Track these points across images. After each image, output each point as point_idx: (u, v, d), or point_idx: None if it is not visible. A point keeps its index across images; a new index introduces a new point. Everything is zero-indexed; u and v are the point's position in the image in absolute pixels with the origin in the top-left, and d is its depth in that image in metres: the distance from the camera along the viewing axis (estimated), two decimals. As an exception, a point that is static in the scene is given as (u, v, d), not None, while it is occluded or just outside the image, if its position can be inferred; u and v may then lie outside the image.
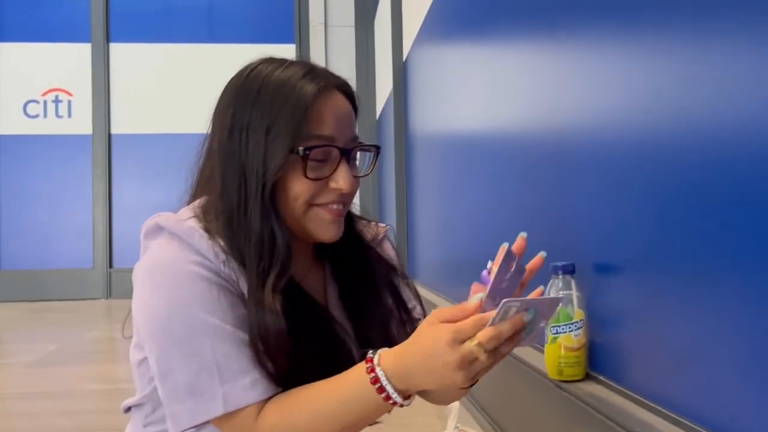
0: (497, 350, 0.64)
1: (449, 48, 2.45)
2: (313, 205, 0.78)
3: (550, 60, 1.35)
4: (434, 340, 0.65)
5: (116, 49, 5.26)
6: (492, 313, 0.63)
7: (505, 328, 0.63)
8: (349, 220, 0.87)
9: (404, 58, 3.47)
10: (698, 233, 0.84)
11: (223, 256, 0.75)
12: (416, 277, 3.20)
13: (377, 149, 0.85)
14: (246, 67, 0.82)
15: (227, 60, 5.20)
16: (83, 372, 3.00)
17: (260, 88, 0.78)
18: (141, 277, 0.78)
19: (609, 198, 1.09)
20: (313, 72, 0.79)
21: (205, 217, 0.78)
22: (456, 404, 1.46)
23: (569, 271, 1.15)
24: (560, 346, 1.15)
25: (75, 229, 5.22)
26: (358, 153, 0.82)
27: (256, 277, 0.74)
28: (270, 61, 0.82)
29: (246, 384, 0.72)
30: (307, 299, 0.82)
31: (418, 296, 0.93)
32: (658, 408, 0.93)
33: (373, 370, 0.69)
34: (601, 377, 1.11)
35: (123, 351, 3.47)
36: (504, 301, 0.63)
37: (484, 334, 0.63)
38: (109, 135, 5.25)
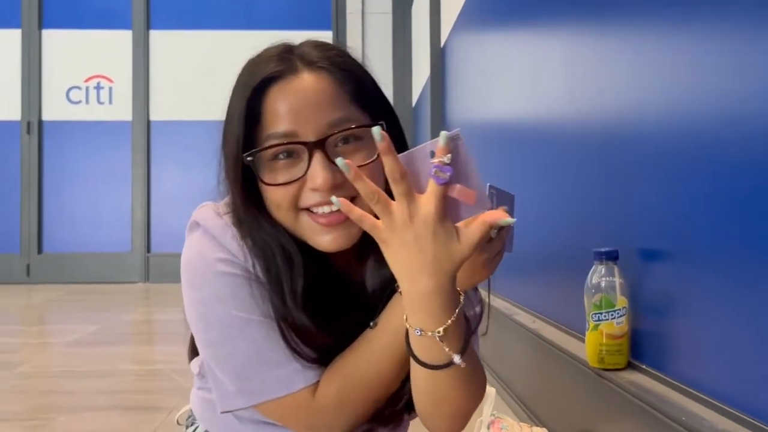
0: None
1: (489, 34, 2.41)
2: (302, 209, 0.71)
3: (596, 43, 1.32)
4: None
5: (156, 36, 5.32)
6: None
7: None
8: None
9: (442, 45, 3.44)
10: (752, 219, 0.81)
11: (251, 259, 0.73)
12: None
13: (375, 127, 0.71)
14: None
15: (264, 46, 5.24)
16: (121, 353, 3.06)
17: (240, 73, 0.74)
18: (181, 273, 0.77)
19: (656, 182, 1.06)
20: (281, 55, 0.71)
21: (234, 218, 0.76)
22: (492, 392, 1.45)
23: (613, 257, 1.13)
24: (602, 333, 1.12)
25: (114, 214, 5.32)
26: (359, 137, 0.70)
27: (272, 287, 0.72)
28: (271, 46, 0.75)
29: (297, 368, 0.72)
30: (335, 277, 0.77)
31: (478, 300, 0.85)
32: (704, 397, 0.90)
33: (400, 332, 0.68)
34: (643, 366, 1.09)
35: (160, 333, 3.53)
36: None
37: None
38: (149, 121, 5.32)
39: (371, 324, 0.72)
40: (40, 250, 5.29)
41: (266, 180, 0.70)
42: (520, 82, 1.95)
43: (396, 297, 0.72)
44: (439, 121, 3.55)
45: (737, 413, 0.83)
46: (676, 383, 0.98)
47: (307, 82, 0.69)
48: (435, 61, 3.50)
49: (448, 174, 0.59)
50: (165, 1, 5.33)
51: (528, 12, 1.86)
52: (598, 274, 1.13)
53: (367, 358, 0.72)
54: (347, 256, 0.77)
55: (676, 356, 1.00)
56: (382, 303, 0.76)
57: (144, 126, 5.29)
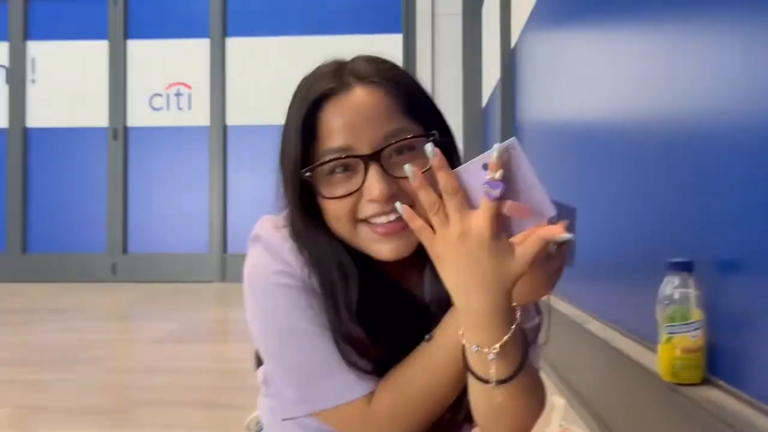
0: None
1: (561, 33, 2.37)
2: (360, 221, 0.72)
3: (674, 40, 1.28)
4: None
5: (232, 43, 5.49)
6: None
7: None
8: None
9: (512, 46, 3.40)
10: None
11: (307, 271, 0.75)
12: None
13: (430, 137, 0.72)
14: None
15: (337, 50, 5.32)
16: (201, 350, 3.18)
17: (296, 91, 0.76)
18: (244, 285, 0.80)
19: (735, 188, 1.02)
20: (334, 72, 0.73)
21: (293, 232, 0.78)
22: (562, 402, 1.43)
23: (687, 268, 1.09)
24: (675, 347, 1.09)
25: (193, 216, 5.53)
26: (413, 147, 0.71)
27: (327, 300, 0.74)
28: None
29: (353, 378, 0.74)
30: (392, 290, 0.78)
31: (538, 311, 0.83)
32: (786, 418, 0.87)
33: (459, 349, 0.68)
34: (721, 382, 1.05)
35: (236, 332, 3.65)
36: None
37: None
38: (225, 126, 5.50)
39: (426, 337, 0.73)
40: (125, 250, 5.56)
41: (325, 194, 0.72)
42: (592, 82, 1.91)
43: (452, 310, 0.73)
44: (510, 122, 3.52)
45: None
46: (755, 402, 0.94)
47: (359, 96, 0.71)
48: (505, 62, 3.46)
49: (499, 190, 0.59)
50: (241, 10, 5.50)
51: (601, 11, 1.82)
52: (672, 285, 1.10)
53: (422, 371, 0.73)
54: (405, 267, 0.78)
55: (756, 373, 0.96)
56: (438, 316, 0.76)
57: (221, 131, 5.48)
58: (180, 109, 5.55)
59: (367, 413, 0.74)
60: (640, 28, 1.49)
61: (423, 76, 4.80)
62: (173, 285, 5.38)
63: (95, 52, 5.53)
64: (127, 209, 5.55)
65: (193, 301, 4.67)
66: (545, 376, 2.14)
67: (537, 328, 0.82)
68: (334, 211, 0.72)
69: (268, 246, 0.77)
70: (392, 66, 0.76)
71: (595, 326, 1.74)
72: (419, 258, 0.78)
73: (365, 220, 0.72)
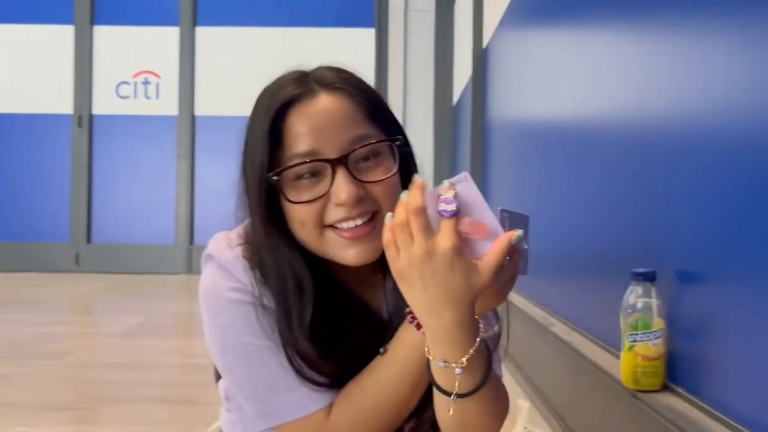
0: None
1: (531, 36, 2.40)
2: (327, 226, 0.73)
3: (641, 49, 1.30)
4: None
5: (202, 32, 5.42)
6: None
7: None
8: None
9: (484, 46, 3.42)
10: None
11: (258, 289, 0.75)
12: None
13: (394, 141, 0.74)
14: None
15: (308, 43, 5.30)
16: (165, 345, 3.15)
17: (258, 98, 0.76)
18: (200, 303, 0.80)
19: (696, 200, 1.05)
20: (297, 79, 0.73)
21: (248, 240, 0.78)
22: (526, 405, 1.46)
23: (650, 278, 1.12)
24: (637, 355, 1.12)
25: (160, 207, 5.46)
26: (378, 153, 0.73)
27: (280, 315, 0.74)
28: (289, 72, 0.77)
29: (310, 391, 0.74)
30: (350, 302, 0.79)
31: (496, 317, 0.85)
32: (739, 427, 0.90)
33: (414, 316, 0.69)
34: (680, 389, 1.08)
35: (201, 326, 3.62)
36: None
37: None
38: (194, 116, 5.43)
39: (381, 351, 0.74)
40: (89, 240, 5.47)
41: (292, 199, 0.72)
42: (561, 85, 1.94)
43: (405, 324, 0.74)
44: (480, 120, 3.54)
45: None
46: (711, 410, 0.97)
47: (325, 102, 0.72)
48: (477, 61, 3.48)
49: (454, 205, 0.62)
50: (211, -1, 5.42)
51: (572, 14, 1.84)
52: (635, 295, 1.13)
53: (377, 385, 0.74)
54: (363, 279, 0.79)
55: (713, 381, 1.00)
56: (392, 330, 0.77)
57: (189, 120, 5.41)
58: (148, 98, 5.46)
59: (325, 426, 0.75)
60: (609, 34, 1.52)
61: (395, 72, 4.81)
62: (138, 276, 5.30)
63: (60, 36, 5.40)
64: (91, 198, 5.45)
65: (158, 294, 4.61)
66: (511, 378, 2.17)
67: (497, 336, 0.83)
68: (300, 216, 0.72)
69: (220, 265, 0.77)
70: (354, 75, 0.77)
71: (560, 329, 1.77)
72: (377, 269, 0.79)
73: (332, 226, 0.72)
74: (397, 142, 0.74)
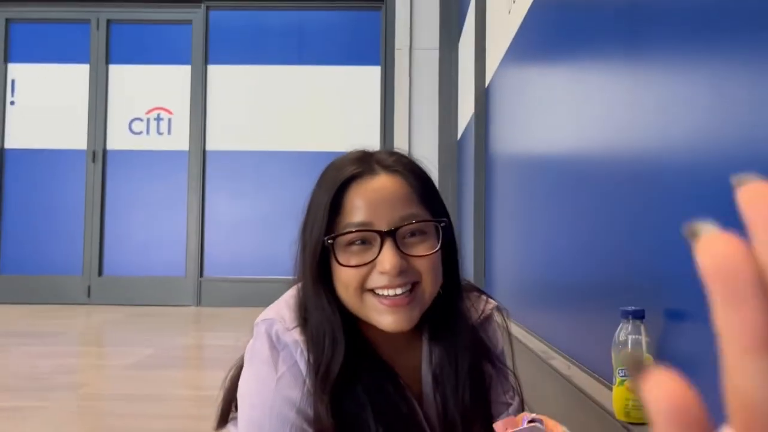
0: None
1: (531, 75, 2.49)
2: (367, 291, 0.80)
3: (630, 86, 1.38)
4: None
5: (213, 70, 5.56)
6: None
7: None
8: (453, 294, 0.87)
9: (487, 84, 3.52)
10: None
11: (309, 380, 0.80)
12: (493, 300, 3.22)
13: (440, 223, 0.82)
14: None
15: (317, 80, 5.45)
16: (175, 377, 3.21)
17: (323, 174, 0.84)
18: (245, 375, 0.85)
19: (686, 241, 1.11)
20: (362, 158, 0.82)
21: (302, 304, 0.84)
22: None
23: (639, 316, 1.18)
24: (628, 389, 1.18)
25: (170, 240, 5.55)
26: (425, 231, 0.80)
27: (313, 375, 0.80)
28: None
29: None
30: (394, 391, 0.84)
31: (517, 385, 0.93)
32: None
33: None
34: (668, 422, 1.13)
35: (211, 358, 3.67)
36: None
37: None
38: (204, 151, 5.55)
39: None
40: (100, 273, 5.55)
41: (341, 261, 0.79)
42: (559, 122, 2.02)
43: None
44: (482, 155, 3.63)
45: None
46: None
47: (383, 181, 0.81)
48: (479, 98, 3.58)
49: None
50: (223, 38, 5.58)
51: (566, 55, 1.93)
52: (625, 332, 1.19)
53: None
54: (399, 345, 0.86)
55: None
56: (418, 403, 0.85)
57: (200, 155, 5.53)
58: (160, 133, 5.59)
59: None
60: (601, 71, 1.60)
61: (400, 108, 4.88)
62: (148, 308, 5.37)
63: (76, 75, 5.56)
64: (103, 232, 5.55)
65: (168, 326, 4.67)
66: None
67: (517, 407, 0.93)
68: (346, 278, 0.80)
69: (278, 355, 0.81)
70: (411, 160, 0.86)
71: (559, 363, 1.82)
72: (413, 338, 0.86)
73: (373, 291, 0.80)
74: (443, 224, 0.82)
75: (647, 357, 1.16)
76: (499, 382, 0.92)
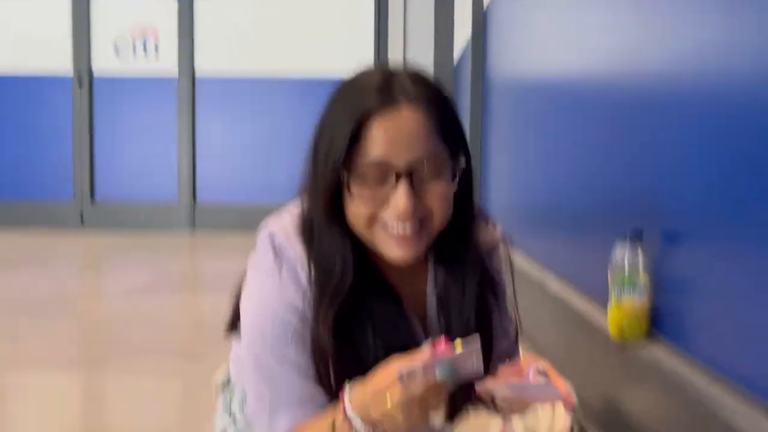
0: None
1: (531, -2, 2.41)
2: (376, 222, 0.79)
3: (637, 7, 1.33)
4: (383, 374, 0.72)
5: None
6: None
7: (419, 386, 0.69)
8: (464, 221, 0.86)
9: (485, 5, 3.42)
10: None
11: (311, 291, 0.81)
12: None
13: (458, 165, 0.80)
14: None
15: (309, 1, 5.25)
16: (172, 301, 3.24)
17: (340, 93, 0.80)
18: (248, 284, 0.86)
19: (684, 161, 1.10)
20: (384, 85, 0.78)
21: (306, 220, 0.83)
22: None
23: (637, 237, 1.19)
24: (623, 308, 1.20)
25: (162, 164, 5.50)
26: (440, 170, 0.79)
27: (317, 290, 0.80)
28: (375, 65, 0.83)
29: (288, 422, 0.82)
30: (396, 312, 0.85)
31: (516, 316, 0.96)
32: (714, 372, 0.97)
33: (344, 410, 0.75)
34: (662, 339, 1.16)
35: (207, 283, 3.71)
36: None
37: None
38: (194, 77, 5.43)
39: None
40: (93, 199, 5.53)
41: (355, 195, 0.78)
42: (559, 45, 1.97)
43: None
44: (479, 81, 3.57)
45: (741, 389, 0.90)
46: (690, 357, 1.05)
47: (405, 116, 0.77)
48: (477, 20, 3.49)
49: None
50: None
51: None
52: (623, 253, 1.20)
53: None
54: (406, 271, 0.86)
55: (692, 332, 1.07)
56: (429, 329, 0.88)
57: (189, 81, 5.41)
58: (147, 56, 5.44)
59: None
60: None
61: (395, 32, 4.74)
62: (143, 234, 5.38)
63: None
64: (93, 158, 5.49)
65: (164, 251, 4.69)
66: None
67: (515, 331, 0.98)
68: (357, 210, 0.79)
69: (281, 264, 0.82)
70: (435, 89, 0.82)
71: (555, 285, 1.85)
72: (422, 264, 0.86)
73: (383, 224, 0.79)
74: (462, 165, 0.80)
75: (643, 276, 1.17)
76: (500, 312, 0.94)
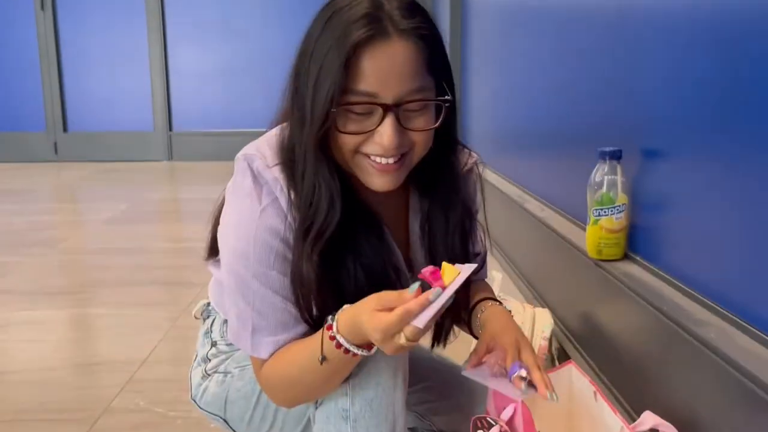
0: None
1: None
2: (359, 153, 0.79)
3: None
4: (371, 328, 0.71)
5: None
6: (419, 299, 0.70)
7: (422, 318, 0.69)
8: (446, 145, 0.87)
9: None
10: (751, 121, 0.86)
11: (292, 217, 0.80)
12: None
13: (445, 101, 0.80)
14: None
15: None
16: (153, 230, 3.24)
17: (326, 21, 0.77)
18: (227, 209, 0.85)
19: (663, 81, 1.09)
20: (374, 15, 0.75)
21: (287, 146, 0.82)
22: (498, 276, 1.57)
23: (616, 156, 1.18)
24: (601, 227, 1.21)
25: (135, 93, 5.36)
26: (426, 105, 0.78)
27: (300, 224, 0.79)
28: None
29: (270, 342, 0.84)
30: (377, 236, 0.86)
31: (485, 237, 0.97)
32: (689, 289, 1.00)
33: (333, 338, 0.76)
34: (638, 258, 1.18)
35: (187, 211, 3.70)
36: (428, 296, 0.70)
37: (409, 331, 0.69)
38: (162, -3, 5.22)
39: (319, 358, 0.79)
40: (65, 129, 5.41)
41: (340, 127, 0.77)
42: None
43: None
44: (459, 2, 3.47)
45: (716, 305, 0.93)
46: (666, 275, 1.08)
47: (395, 49, 0.75)
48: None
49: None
50: None
51: None
52: (601, 172, 1.20)
53: (305, 371, 0.81)
54: (387, 196, 0.86)
55: (667, 250, 1.09)
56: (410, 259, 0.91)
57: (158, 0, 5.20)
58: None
59: (260, 371, 0.86)
60: None
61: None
62: (120, 164, 5.31)
63: None
64: (63, 86, 5.33)
65: (141, 181, 4.65)
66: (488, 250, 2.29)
67: (484, 257, 1.00)
68: (342, 141, 0.78)
69: (260, 188, 0.81)
70: (426, 19, 0.79)
71: (534, 205, 1.86)
72: (400, 191, 0.86)
73: (365, 153, 0.79)
74: (448, 103, 0.80)
75: (621, 196, 1.18)
76: (472, 233, 0.96)
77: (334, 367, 0.79)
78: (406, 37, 0.76)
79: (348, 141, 0.78)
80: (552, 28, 1.78)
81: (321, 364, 0.78)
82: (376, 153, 0.78)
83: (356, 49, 0.74)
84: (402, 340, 0.70)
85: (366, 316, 0.72)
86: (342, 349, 0.76)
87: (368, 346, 0.77)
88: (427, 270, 0.72)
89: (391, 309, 0.70)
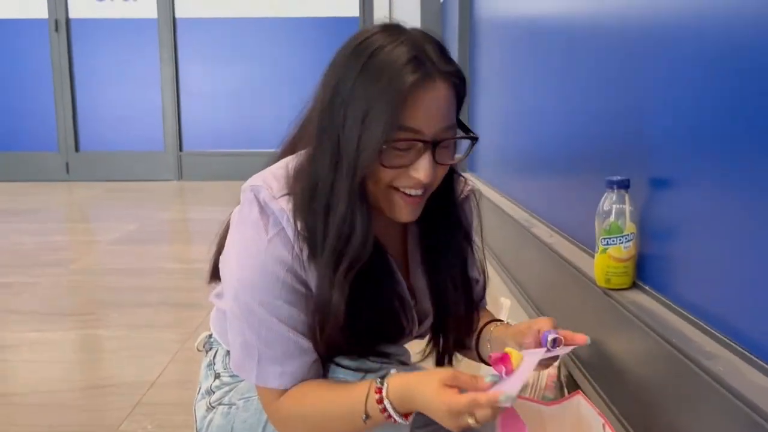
0: None
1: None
2: (392, 187, 0.82)
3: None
4: (436, 402, 0.73)
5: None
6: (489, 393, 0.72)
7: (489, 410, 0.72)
8: (449, 180, 0.91)
9: (472, -59, 3.32)
10: (763, 150, 0.86)
11: (299, 248, 0.81)
12: (476, 172, 3.25)
13: (474, 138, 0.87)
14: (360, 34, 0.82)
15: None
16: (162, 251, 3.25)
17: (366, 64, 0.78)
18: (232, 238, 0.86)
19: (671, 109, 1.10)
20: (419, 58, 0.78)
21: (294, 180, 0.83)
22: (508, 302, 1.57)
23: (624, 185, 1.19)
24: (609, 256, 1.21)
25: (146, 113, 5.42)
26: (453, 140, 0.84)
27: (331, 256, 0.80)
28: (384, 31, 0.81)
29: (277, 372, 0.84)
30: (382, 266, 0.88)
31: (483, 265, 1.01)
32: (697, 320, 1.00)
33: (381, 401, 0.78)
34: (647, 287, 1.18)
35: (196, 231, 3.71)
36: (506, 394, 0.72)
37: (481, 415, 0.71)
38: (174, 19, 5.29)
39: (363, 417, 0.80)
40: (77, 149, 5.46)
41: (385, 162, 0.80)
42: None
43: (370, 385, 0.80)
44: (467, 20, 3.50)
45: (723, 336, 0.92)
46: (674, 305, 1.07)
47: (439, 90, 0.80)
48: (464, -42, 3.39)
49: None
50: None
51: None
52: (610, 201, 1.20)
53: (327, 409, 0.83)
54: (386, 220, 0.88)
55: (676, 280, 1.09)
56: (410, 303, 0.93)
57: (170, 23, 5.27)
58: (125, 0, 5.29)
59: (272, 403, 0.86)
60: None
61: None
62: (130, 184, 5.35)
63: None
64: (76, 106, 5.39)
65: (151, 201, 4.67)
66: (496, 277, 2.29)
67: (483, 284, 1.04)
68: (380, 175, 0.81)
69: (266, 219, 0.82)
70: (457, 63, 0.85)
71: (542, 230, 1.86)
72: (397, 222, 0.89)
73: (397, 188, 0.82)
74: (476, 140, 0.87)
75: (629, 225, 1.18)
76: (471, 259, 0.98)
77: (368, 425, 0.80)
78: (446, 78, 0.81)
79: (385, 175, 0.81)
80: (561, 53, 1.80)
81: (365, 422, 0.79)
82: (409, 186, 0.82)
83: (411, 90, 0.77)
84: (471, 420, 0.72)
85: (432, 387, 0.74)
86: (385, 414, 0.77)
87: (407, 415, 0.78)
88: (497, 355, 0.76)
89: (458, 388, 0.73)
